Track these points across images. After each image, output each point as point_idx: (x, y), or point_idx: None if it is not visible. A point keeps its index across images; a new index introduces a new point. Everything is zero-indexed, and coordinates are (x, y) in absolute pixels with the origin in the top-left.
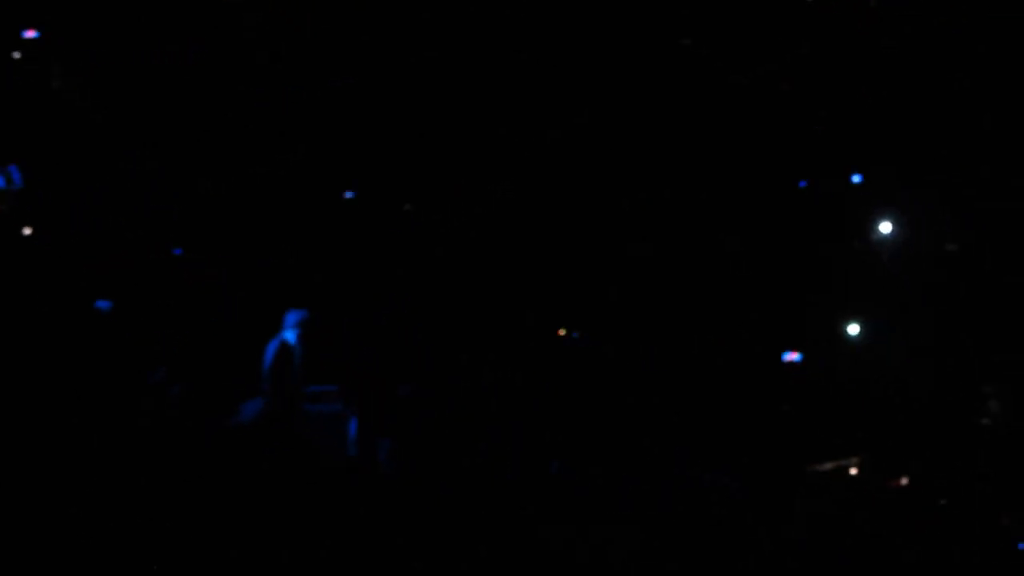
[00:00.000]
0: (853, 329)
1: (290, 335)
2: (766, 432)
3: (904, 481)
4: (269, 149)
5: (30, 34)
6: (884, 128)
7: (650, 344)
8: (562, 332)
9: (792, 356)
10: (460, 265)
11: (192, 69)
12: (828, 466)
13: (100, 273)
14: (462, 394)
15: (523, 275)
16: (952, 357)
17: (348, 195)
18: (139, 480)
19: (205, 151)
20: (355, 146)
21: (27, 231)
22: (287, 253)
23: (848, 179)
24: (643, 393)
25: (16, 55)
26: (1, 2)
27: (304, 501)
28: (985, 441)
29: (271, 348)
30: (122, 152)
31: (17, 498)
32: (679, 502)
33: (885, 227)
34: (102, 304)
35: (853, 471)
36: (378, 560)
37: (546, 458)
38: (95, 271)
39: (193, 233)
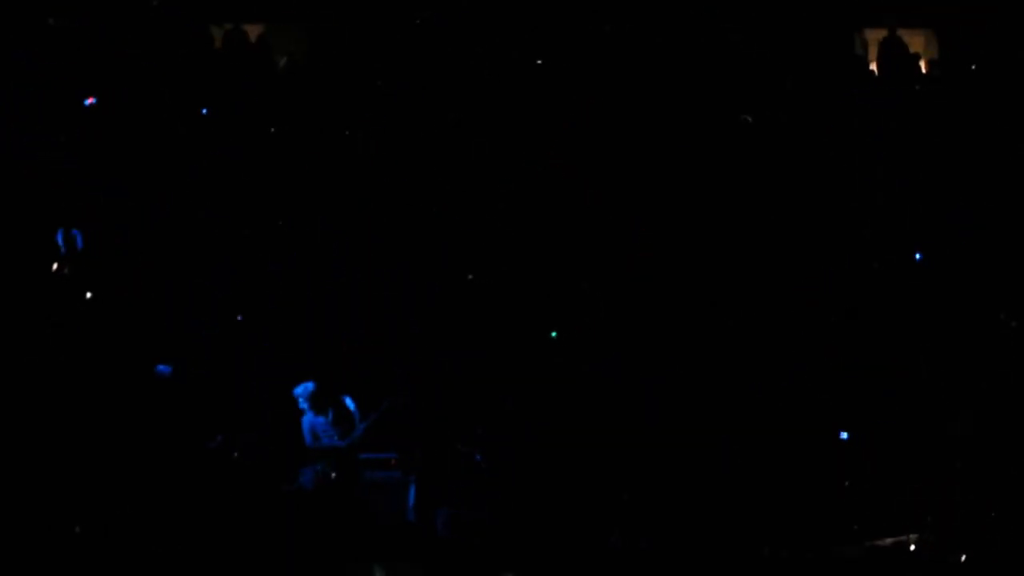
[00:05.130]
0: None
1: (306, 409)
2: (824, 506)
3: (963, 557)
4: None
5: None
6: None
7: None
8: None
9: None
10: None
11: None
12: (887, 541)
13: (159, 338)
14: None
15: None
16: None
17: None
18: (201, 545)
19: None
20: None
21: (88, 295)
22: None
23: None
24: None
25: None
26: None
27: (362, 566)
28: None
29: (304, 424)
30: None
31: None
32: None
33: None
34: (163, 368)
35: (912, 547)
36: None
37: (606, 527)
38: (155, 337)
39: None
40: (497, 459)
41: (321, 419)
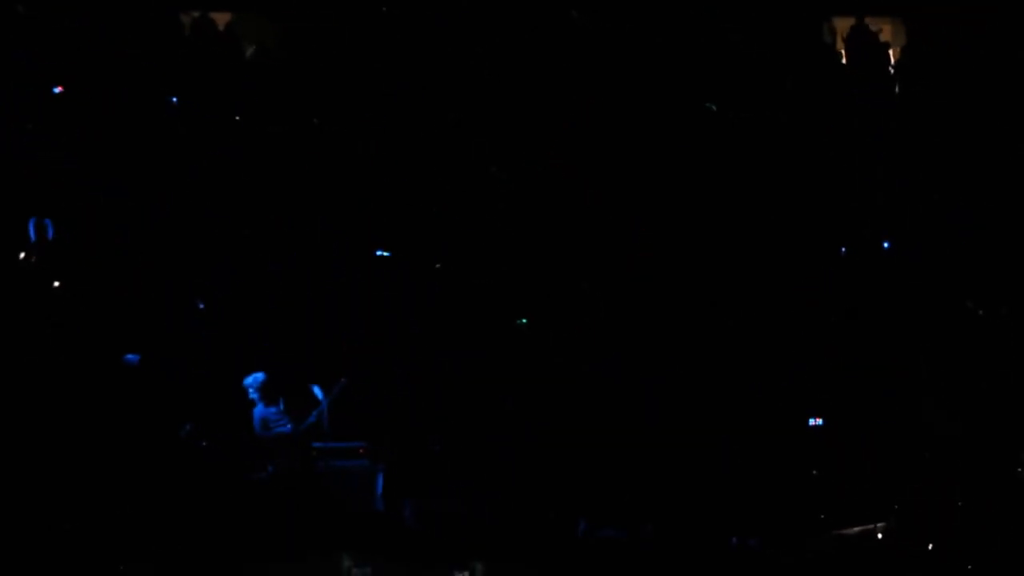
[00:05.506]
0: None
1: (256, 400)
2: (792, 496)
3: (931, 546)
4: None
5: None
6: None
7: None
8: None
9: (816, 421)
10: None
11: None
12: (854, 530)
13: (128, 327)
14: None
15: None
16: (985, 415)
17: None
18: (171, 531)
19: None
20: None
21: (56, 284)
22: (310, 307)
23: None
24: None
25: None
26: None
27: (330, 555)
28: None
29: (255, 414)
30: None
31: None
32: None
33: None
34: (131, 357)
35: (879, 536)
36: None
37: (573, 516)
38: (123, 325)
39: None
40: (467, 451)
41: (272, 409)
